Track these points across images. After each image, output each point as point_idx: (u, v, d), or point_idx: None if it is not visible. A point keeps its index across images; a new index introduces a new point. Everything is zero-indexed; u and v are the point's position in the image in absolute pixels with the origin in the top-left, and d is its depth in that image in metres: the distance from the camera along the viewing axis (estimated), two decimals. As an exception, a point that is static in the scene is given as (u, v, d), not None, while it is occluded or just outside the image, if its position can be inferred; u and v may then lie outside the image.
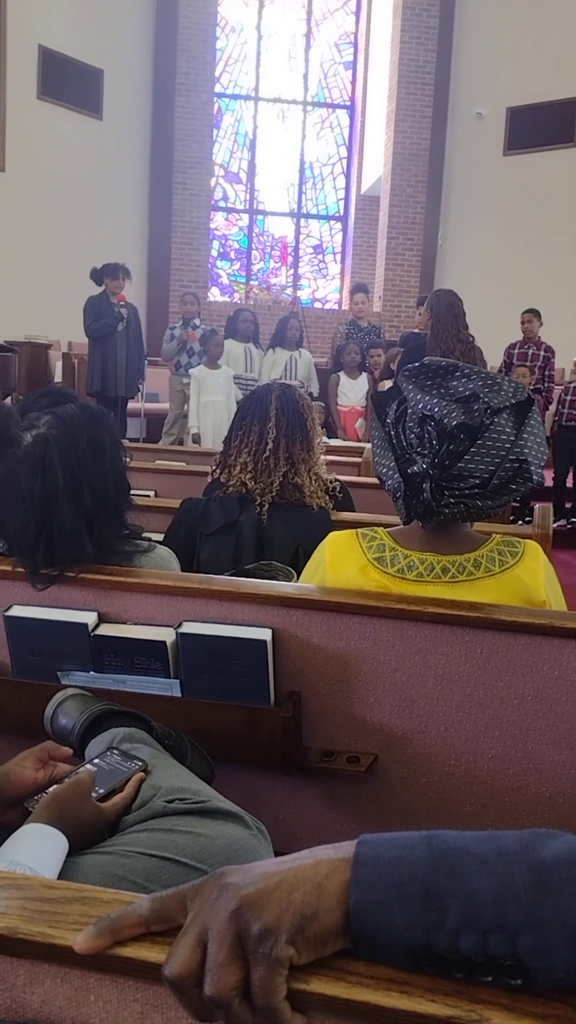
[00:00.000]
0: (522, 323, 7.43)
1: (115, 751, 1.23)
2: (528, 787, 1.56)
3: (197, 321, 7.67)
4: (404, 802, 1.62)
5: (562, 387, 7.55)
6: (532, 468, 1.53)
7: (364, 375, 7.44)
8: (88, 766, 1.20)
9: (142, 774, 1.19)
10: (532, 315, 7.41)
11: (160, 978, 0.59)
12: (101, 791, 1.14)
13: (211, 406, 6.78)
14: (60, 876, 1.00)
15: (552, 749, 1.53)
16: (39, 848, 1.01)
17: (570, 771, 1.53)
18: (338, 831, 1.67)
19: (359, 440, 6.74)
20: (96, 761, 1.21)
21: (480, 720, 1.55)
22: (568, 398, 7.26)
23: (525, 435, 1.52)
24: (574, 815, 1.54)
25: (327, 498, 2.37)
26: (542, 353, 7.34)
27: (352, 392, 7.31)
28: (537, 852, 0.59)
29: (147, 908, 0.62)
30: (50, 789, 1.14)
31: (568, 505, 7.25)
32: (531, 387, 6.90)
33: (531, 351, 7.32)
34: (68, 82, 10.85)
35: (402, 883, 0.58)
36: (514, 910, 0.57)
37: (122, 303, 6.96)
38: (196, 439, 6.82)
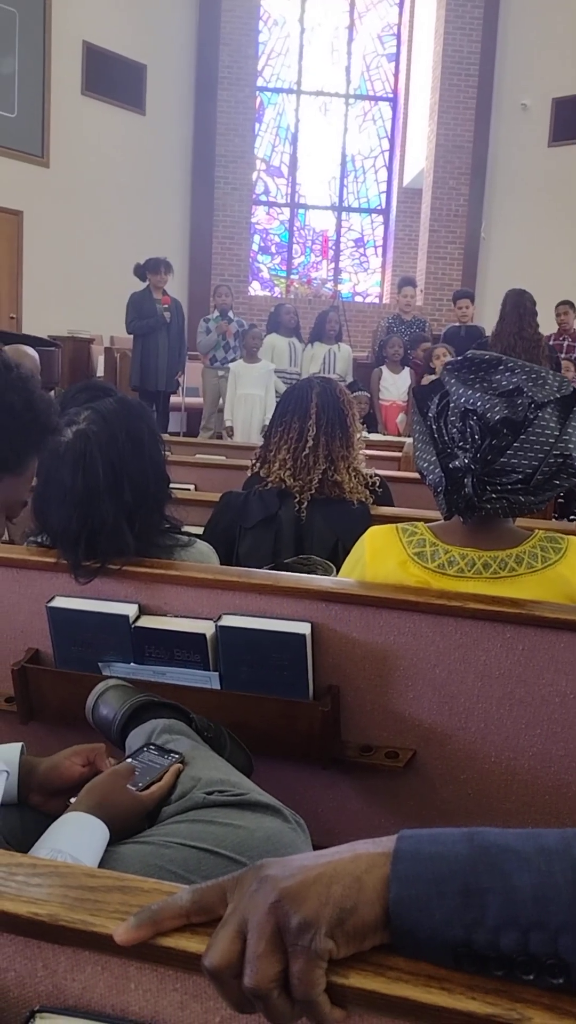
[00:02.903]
0: (557, 315, 7.35)
1: (151, 747, 1.24)
2: (569, 786, 1.54)
3: (231, 314, 7.67)
4: (443, 798, 1.61)
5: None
6: (577, 463, 1.51)
7: (406, 369, 7.40)
8: (127, 761, 1.21)
9: (179, 765, 1.20)
10: (568, 307, 7.34)
11: (200, 968, 0.60)
12: (140, 785, 1.15)
13: (245, 400, 6.79)
14: (101, 865, 1.01)
15: (594, 748, 1.51)
16: (80, 836, 1.02)
17: (612, 770, 1.51)
18: (376, 826, 1.67)
19: (400, 435, 6.71)
20: (131, 761, 1.22)
21: (521, 717, 1.53)
22: None
23: (570, 430, 1.50)
24: (616, 815, 1.52)
25: (367, 492, 2.36)
26: None
27: (394, 386, 7.27)
28: (580, 851, 0.59)
29: (187, 899, 0.63)
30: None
31: None
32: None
33: (566, 343, 7.25)
34: (112, 78, 10.92)
35: (442, 879, 0.58)
36: (556, 908, 0.56)
37: (166, 306, 6.98)
38: (229, 432, 6.85)
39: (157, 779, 1.17)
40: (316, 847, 0.96)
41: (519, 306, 5.48)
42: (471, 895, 0.57)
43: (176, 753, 1.23)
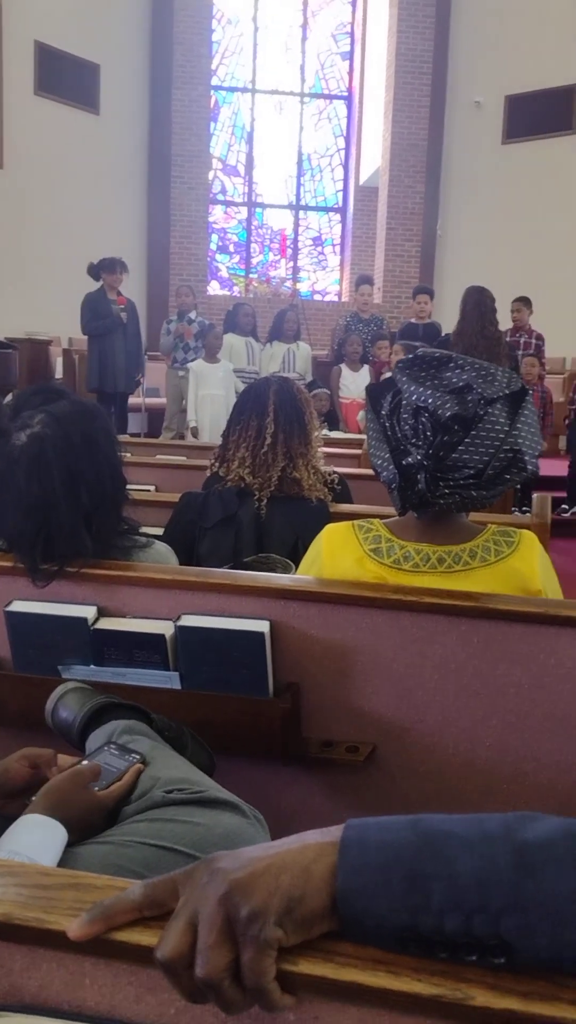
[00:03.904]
0: (512, 312, 7.42)
1: (112, 746, 1.24)
2: (526, 775, 1.57)
3: (193, 314, 7.65)
4: (403, 791, 1.63)
5: (566, 375, 7.55)
6: (526, 458, 1.54)
7: (366, 367, 7.44)
8: (90, 762, 1.22)
9: (140, 765, 1.20)
10: (521, 303, 7.41)
11: (153, 962, 0.61)
12: (101, 785, 1.16)
13: (209, 400, 6.78)
14: (60, 865, 1.02)
15: (549, 737, 1.54)
16: (37, 837, 1.02)
17: (568, 758, 1.54)
18: (337, 821, 1.66)
19: (360, 432, 6.74)
20: (93, 761, 1.22)
21: (478, 709, 1.56)
22: None
23: (519, 425, 1.53)
24: (572, 802, 1.55)
25: (326, 490, 2.38)
26: (533, 341, 7.34)
27: (354, 384, 7.31)
28: (520, 834, 0.61)
29: (139, 894, 0.64)
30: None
31: None
32: (539, 377, 6.90)
33: (523, 339, 7.32)
34: (65, 77, 10.84)
35: (388, 866, 0.60)
36: (497, 891, 0.58)
37: (122, 306, 6.95)
38: (194, 433, 6.83)
39: (117, 779, 1.18)
40: (274, 841, 0.97)
41: (480, 304, 5.52)
42: (416, 881, 0.59)
43: (137, 753, 1.24)
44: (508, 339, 7.37)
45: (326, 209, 14.15)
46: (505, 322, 7.44)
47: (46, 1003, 0.66)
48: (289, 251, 14.11)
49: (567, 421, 7.53)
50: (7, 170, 10.23)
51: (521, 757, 1.56)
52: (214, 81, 12.97)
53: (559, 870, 0.58)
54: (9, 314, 9.57)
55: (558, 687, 1.52)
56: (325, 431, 5.50)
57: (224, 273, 14.00)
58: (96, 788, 1.15)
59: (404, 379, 1.57)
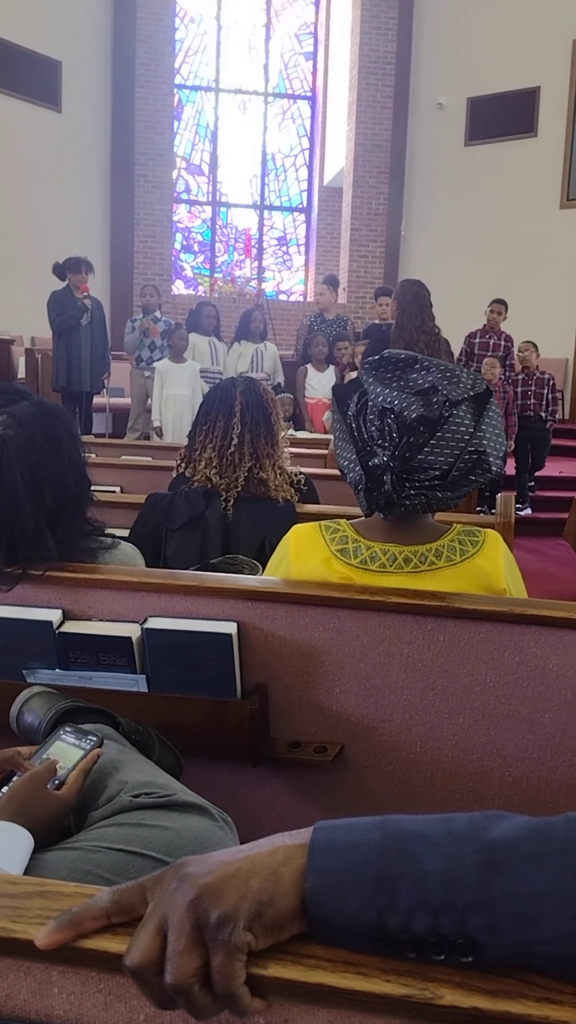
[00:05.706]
0: (492, 312, 7.46)
1: (67, 728, 1.23)
2: (492, 772, 1.58)
3: (158, 314, 7.61)
4: (371, 790, 1.64)
5: (520, 376, 7.64)
6: (491, 459, 1.55)
7: (331, 367, 7.45)
8: (44, 749, 1.20)
9: (99, 750, 1.20)
10: (500, 306, 7.46)
11: (122, 968, 0.60)
12: (57, 781, 1.14)
13: (174, 400, 6.74)
14: (27, 873, 1.01)
15: (514, 734, 1.55)
16: (2, 845, 1.01)
17: (532, 755, 1.56)
18: (306, 821, 1.67)
19: (327, 432, 6.76)
20: (50, 747, 1.20)
21: (444, 707, 1.57)
22: (519, 389, 7.36)
23: (484, 427, 1.54)
24: (536, 799, 1.57)
25: (292, 491, 2.38)
26: (503, 343, 7.40)
27: (319, 384, 7.33)
28: (487, 833, 0.61)
29: (108, 900, 0.63)
30: (6, 786, 1.15)
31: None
32: (500, 378, 6.96)
33: (492, 340, 7.39)
34: (25, 74, 10.72)
35: (356, 867, 0.60)
36: (464, 890, 0.59)
37: (86, 294, 6.92)
38: (159, 433, 6.79)
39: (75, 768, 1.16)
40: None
41: (419, 297, 5.38)
42: (384, 881, 0.59)
43: (94, 736, 1.22)
44: (479, 339, 7.44)
45: (291, 209, 14.16)
46: (472, 321, 7.51)
47: (13, 1013, 0.66)
48: (254, 251, 14.10)
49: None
50: (-32, 168, 10.12)
51: (487, 754, 1.58)
52: (177, 80, 12.92)
53: (525, 868, 0.59)
54: (-30, 313, 9.47)
55: (522, 685, 1.53)
56: (291, 432, 5.50)
57: (189, 272, 13.96)
58: (56, 781, 1.14)
59: (370, 380, 1.58)
